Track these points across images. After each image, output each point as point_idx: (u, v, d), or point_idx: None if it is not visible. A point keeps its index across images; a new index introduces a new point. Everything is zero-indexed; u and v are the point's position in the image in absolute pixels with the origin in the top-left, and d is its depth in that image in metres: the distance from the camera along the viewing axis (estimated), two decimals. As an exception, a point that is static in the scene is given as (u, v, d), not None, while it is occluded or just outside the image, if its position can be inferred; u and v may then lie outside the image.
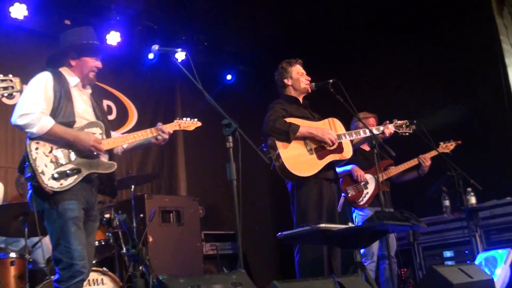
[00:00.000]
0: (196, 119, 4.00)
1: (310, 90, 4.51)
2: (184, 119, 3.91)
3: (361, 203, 5.20)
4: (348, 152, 4.38)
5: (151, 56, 7.13)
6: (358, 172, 5.20)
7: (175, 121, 3.84)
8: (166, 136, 3.62)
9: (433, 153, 5.32)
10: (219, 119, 3.20)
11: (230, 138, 3.14)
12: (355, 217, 5.30)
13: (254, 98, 8.06)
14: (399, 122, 4.88)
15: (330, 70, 6.82)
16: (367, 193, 5.21)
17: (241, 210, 2.99)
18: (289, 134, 4.12)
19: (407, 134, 4.90)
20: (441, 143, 5.43)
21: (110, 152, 3.43)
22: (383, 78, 7.23)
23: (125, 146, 3.63)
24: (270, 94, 8.05)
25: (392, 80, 7.18)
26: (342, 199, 5.17)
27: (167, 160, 7.41)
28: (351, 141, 4.51)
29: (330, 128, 4.38)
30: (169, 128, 3.68)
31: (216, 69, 8.07)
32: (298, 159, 4.15)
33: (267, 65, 7.95)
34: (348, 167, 5.23)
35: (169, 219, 6.23)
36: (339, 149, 4.34)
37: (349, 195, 5.18)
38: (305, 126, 4.25)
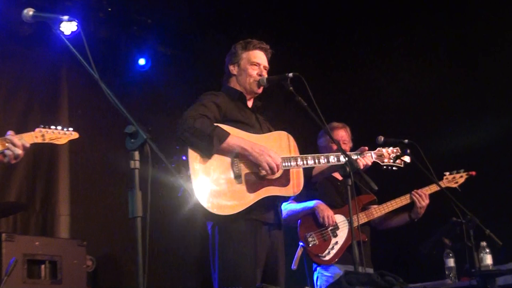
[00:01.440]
0: (71, 129, 3.97)
1: (257, 90, 4.57)
2: (53, 127, 3.86)
3: (327, 258, 5.27)
4: (296, 187, 4.43)
5: (27, 23, 6.94)
6: (325, 211, 5.28)
7: (37, 129, 3.82)
8: (19, 152, 3.60)
9: (434, 187, 5.50)
10: (125, 124, 3.15)
11: (136, 154, 3.09)
12: (317, 278, 5.38)
13: (179, 94, 8.06)
14: (385, 150, 4.98)
15: (300, 61, 7.07)
16: (336, 243, 5.30)
17: (146, 262, 2.93)
18: (212, 142, 4.10)
19: (394, 169, 5.02)
20: (447, 173, 5.62)
21: None
22: (372, 77, 7.49)
23: None
24: (205, 88, 8.17)
25: (385, 81, 7.49)
26: (299, 251, 5.23)
27: (41, 184, 7.22)
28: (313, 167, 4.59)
29: (277, 146, 4.41)
30: (26, 139, 3.64)
31: (124, 49, 8.02)
32: (216, 186, 4.14)
33: (201, 46, 8.07)
34: (310, 204, 5.32)
35: (39, 273, 6.06)
36: (284, 179, 4.38)
37: (309, 245, 5.24)
38: (238, 136, 4.27)
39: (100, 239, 7.19)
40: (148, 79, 8.21)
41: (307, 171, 4.74)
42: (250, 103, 4.67)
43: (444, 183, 5.50)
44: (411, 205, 5.53)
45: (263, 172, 4.25)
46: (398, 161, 4.98)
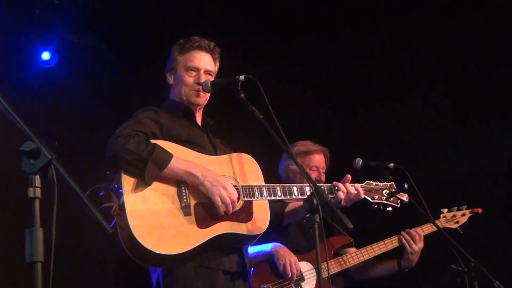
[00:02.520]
0: None
1: (197, 100, 4.64)
2: None
3: (289, 319, 5.30)
4: (261, 222, 4.46)
5: None
6: (286, 257, 5.32)
7: None
8: None
9: (429, 228, 5.62)
10: (22, 140, 3.14)
11: (37, 179, 3.09)
12: None
13: (97, 98, 8.08)
14: (375, 183, 5.04)
15: (259, 61, 7.16)
16: (301, 299, 5.33)
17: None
18: (146, 166, 4.12)
19: (389, 209, 5.07)
20: (445, 211, 5.75)
21: None
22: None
23: None
24: (131, 90, 8.15)
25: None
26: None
27: None
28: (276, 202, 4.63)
29: (236, 172, 4.47)
30: None
31: (23, 39, 7.97)
32: (158, 220, 4.17)
33: (127, 35, 8.07)
34: (267, 247, 5.37)
35: None
36: (244, 213, 4.42)
37: (266, 302, 5.26)
38: (184, 160, 4.30)
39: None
40: (53, 79, 8.13)
41: (278, 209, 4.78)
42: (199, 119, 4.74)
43: (441, 223, 5.62)
44: (401, 250, 5.60)
45: (216, 208, 4.28)
46: (392, 199, 5.03)
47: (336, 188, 4.78)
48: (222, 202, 4.24)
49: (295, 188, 4.58)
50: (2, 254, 7.18)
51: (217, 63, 4.80)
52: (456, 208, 5.71)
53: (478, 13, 7.11)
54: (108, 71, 8.42)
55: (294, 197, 4.58)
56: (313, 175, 5.77)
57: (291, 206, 4.88)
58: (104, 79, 8.38)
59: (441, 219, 5.64)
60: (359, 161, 5.27)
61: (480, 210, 5.71)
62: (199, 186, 4.27)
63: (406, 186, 5.03)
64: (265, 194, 4.49)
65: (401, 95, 7.48)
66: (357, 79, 7.77)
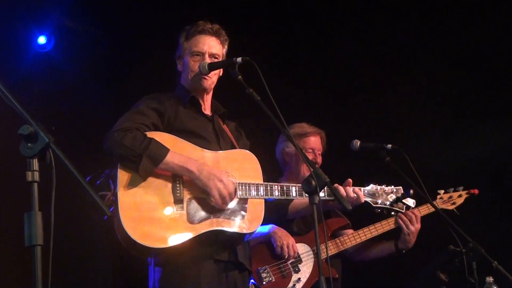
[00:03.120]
0: None
1: (203, 86, 4.62)
2: None
3: (286, 300, 5.33)
4: (253, 221, 4.45)
5: None
6: (284, 239, 5.34)
7: None
8: None
9: (426, 209, 5.62)
10: (20, 124, 3.12)
11: (35, 163, 3.08)
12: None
13: (94, 84, 8.08)
14: (380, 188, 4.95)
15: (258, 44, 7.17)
16: (298, 280, 5.37)
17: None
18: (140, 161, 4.15)
19: (393, 214, 5.07)
20: (441, 192, 5.74)
21: None
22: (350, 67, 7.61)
23: None
24: (132, 76, 8.15)
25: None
26: (250, 291, 5.25)
27: None
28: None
29: (235, 169, 4.45)
30: None
31: (18, 23, 7.93)
32: (149, 212, 4.20)
33: (126, 19, 8.05)
34: (265, 229, 5.38)
35: None
36: (238, 211, 4.42)
37: (264, 283, 5.29)
38: (181, 154, 4.31)
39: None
40: (50, 63, 8.10)
41: (282, 205, 4.79)
42: (206, 109, 4.74)
43: (438, 204, 5.61)
44: (398, 232, 5.60)
45: (213, 201, 4.30)
46: (398, 204, 4.99)
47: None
48: (219, 195, 4.26)
49: (293, 189, 4.56)
50: (2, 239, 7.20)
51: (225, 46, 4.78)
52: (452, 189, 5.71)
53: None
54: (104, 55, 8.40)
55: (291, 197, 4.58)
56: (309, 157, 5.77)
57: (295, 203, 4.87)
58: (101, 63, 8.37)
59: (438, 200, 5.64)
60: (357, 143, 5.27)
61: (476, 191, 5.70)
62: (195, 180, 4.29)
63: (411, 192, 5.01)
64: (261, 192, 4.48)
65: (400, 79, 7.48)
66: (356, 61, 7.75)
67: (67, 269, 7.10)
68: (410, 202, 5.08)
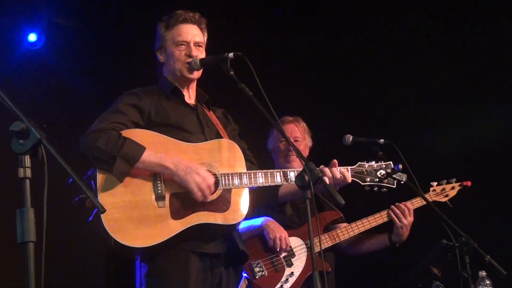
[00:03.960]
0: None
1: (189, 75, 4.60)
2: None
3: (279, 294, 5.34)
4: (238, 211, 4.40)
5: None
6: (276, 232, 5.35)
7: None
8: None
9: (418, 202, 5.63)
10: (11, 121, 3.11)
11: (27, 159, 3.06)
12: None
13: (84, 80, 8.06)
14: (368, 164, 4.87)
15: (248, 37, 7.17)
16: (291, 274, 5.37)
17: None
18: (113, 163, 4.13)
19: (384, 190, 4.93)
20: (434, 184, 5.74)
21: None
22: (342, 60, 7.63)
23: None
24: (120, 72, 8.12)
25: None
26: (242, 286, 5.21)
27: None
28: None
29: (216, 160, 4.41)
30: None
31: (8, 20, 7.91)
32: (130, 211, 4.19)
33: (114, 16, 8.03)
34: (258, 221, 5.39)
35: None
36: (222, 203, 4.37)
37: (256, 278, 5.28)
38: (157, 152, 4.28)
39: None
40: (41, 60, 8.10)
41: (271, 190, 4.76)
42: (189, 98, 4.71)
43: (431, 197, 5.61)
44: (392, 225, 5.61)
45: (193, 195, 4.27)
46: (387, 179, 4.90)
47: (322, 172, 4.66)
48: (198, 188, 4.22)
49: (277, 174, 4.50)
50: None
51: (205, 34, 4.76)
52: (445, 181, 5.70)
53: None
54: (95, 52, 8.40)
55: (276, 183, 4.51)
56: (281, 146, 5.83)
57: (285, 186, 4.84)
58: (91, 60, 8.37)
59: (431, 192, 5.64)
60: (349, 138, 5.25)
61: (469, 183, 5.69)
62: (173, 176, 4.26)
63: (400, 166, 4.98)
64: (245, 181, 4.42)
65: (390, 70, 7.47)
66: (347, 54, 7.76)
67: (60, 266, 7.10)
68: (402, 176, 5.01)
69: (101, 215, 4.06)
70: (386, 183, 4.87)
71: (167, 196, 4.26)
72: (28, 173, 2.98)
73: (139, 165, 4.19)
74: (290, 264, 5.37)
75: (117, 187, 4.18)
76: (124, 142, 4.19)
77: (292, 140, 5.75)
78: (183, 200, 4.28)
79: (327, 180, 4.57)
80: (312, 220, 3.89)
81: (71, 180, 3.13)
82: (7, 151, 3.00)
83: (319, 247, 4.88)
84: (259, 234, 5.36)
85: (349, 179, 4.71)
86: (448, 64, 7.24)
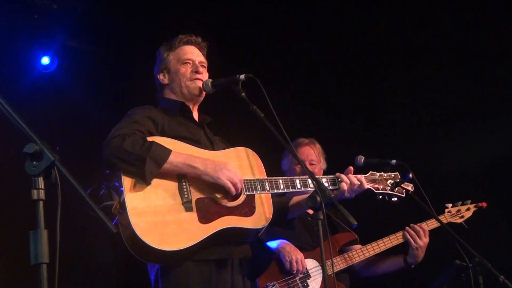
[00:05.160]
0: None
1: (197, 92, 4.63)
2: None
3: (294, 317, 5.31)
4: (263, 215, 4.44)
5: None
6: (293, 254, 5.33)
7: None
8: None
9: (433, 223, 5.61)
10: (24, 142, 3.12)
11: (40, 181, 3.07)
12: None
13: (96, 103, 8.12)
14: (379, 174, 4.96)
15: (259, 59, 7.21)
16: (307, 295, 5.33)
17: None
18: (144, 164, 4.10)
19: (394, 199, 4.99)
20: (449, 206, 5.73)
21: None
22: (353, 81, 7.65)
23: None
24: (131, 94, 8.16)
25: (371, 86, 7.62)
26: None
27: None
28: (283, 200, 4.63)
29: (236, 167, 4.42)
30: None
31: (22, 44, 7.96)
32: (158, 216, 4.15)
33: (125, 40, 8.08)
34: (273, 244, 5.40)
35: None
36: (247, 208, 4.40)
37: (272, 299, 5.26)
38: (184, 153, 4.28)
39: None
40: (54, 83, 8.15)
41: (282, 203, 4.76)
42: (196, 116, 4.74)
43: (446, 218, 5.62)
44: (407, 247, 5.59)
45: (220, 198, 4.29)
46: (397, 189, 4.97)
47: (339, 179, 4.72)
48: (231, 182, 4.24)
49: (297, 181, 4.54)
50: (8, 256, 7.19)
51: (205, 54, 4.84)
52: (460, 202, 5.71)
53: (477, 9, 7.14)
54: (108, 75, 8.45)
55: (297, 189, 4.54)
56: (297, 169, 5.84)
57: (295, 199, 4.83)
58: (104, 83, 8.41)
59: (446, 214, 5.64)
60: (361, 159, 5.24)
61: (484, 204, 5.70)
62: (202, 176, 4.27)
63: (410, 175, 4.99)
64: (267, 187, 4.46)
65: (402, 91, 7.47)
66: (359, 76, 7.77)
67: (72, 286, 7.10)
68: (409, 186, 5.06)
69: (131, 221, 4.02)
70: (396, 192, 4.93)
71: (194, 200, 4.25)
72: (42, 195, 2.96)
73: (167, 165, 4.17)
74: (305, 286, 5.35)
75: (144, 192, 4.14)
76: (151, 144, 4.17)
77: (307, 163, 5.78)
78: (209, 204, 4.29)
79: (345, 186, 4.68)
80: (325, 243, 3.92)
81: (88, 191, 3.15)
82: (20, 172, 3.00)
83: (330, 269, 4.86)
84: (275, 256, 5.34)
85: (366, 185, 4.78)
86: (459, 82, 7.22)
